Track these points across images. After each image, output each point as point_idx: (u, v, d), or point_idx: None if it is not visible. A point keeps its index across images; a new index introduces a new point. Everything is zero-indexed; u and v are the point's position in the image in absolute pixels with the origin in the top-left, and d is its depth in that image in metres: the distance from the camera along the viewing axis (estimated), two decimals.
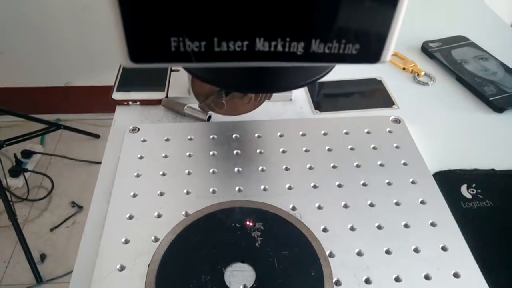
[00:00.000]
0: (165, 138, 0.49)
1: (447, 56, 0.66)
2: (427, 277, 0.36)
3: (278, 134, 0.50)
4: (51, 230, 1.32)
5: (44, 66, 1.55)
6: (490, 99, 0.57)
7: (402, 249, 0.38)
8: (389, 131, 0.51)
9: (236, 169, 0.46)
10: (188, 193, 0.43)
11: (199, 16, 0.18)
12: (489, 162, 0.49)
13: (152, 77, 0.58)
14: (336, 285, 0.36)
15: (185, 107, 0.53)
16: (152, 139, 0.49)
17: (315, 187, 0.44)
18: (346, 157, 0.47)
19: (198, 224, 0.40)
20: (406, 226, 0.40)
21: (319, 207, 0.42)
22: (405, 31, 0.72)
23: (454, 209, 0.42)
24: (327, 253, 0.38)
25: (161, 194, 0.43)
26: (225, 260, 0.37)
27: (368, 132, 0.51)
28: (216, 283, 0.35)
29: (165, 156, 0.47)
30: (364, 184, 0.44)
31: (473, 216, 0.43)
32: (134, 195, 0.43)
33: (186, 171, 0.45)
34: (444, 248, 0.38)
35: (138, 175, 0.45)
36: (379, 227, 0.40)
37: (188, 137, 0.49)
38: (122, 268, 0.36)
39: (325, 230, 0.40)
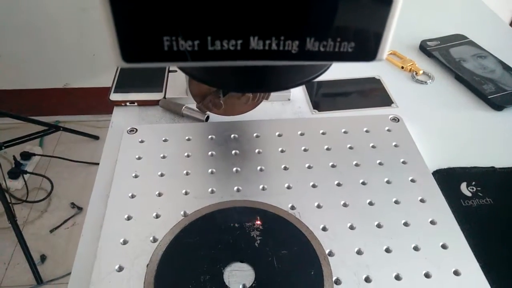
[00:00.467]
0: (163, 138, 0.49)
1: (446, 54, 0.66)
2: (427, 275, 0.36)
3: (277, 133, 0.50)
4: (51, 231, 1.32)
5: (43, 67, 1.55)
6: (489, 97, 0.57)
7: (402, 247, 0.38)
8: (388, 130, 0.51)
9: (234, 169, 0.46)
10: (186, 193, 0.43)
11: (192, 14, 0.17)
12: (489, 159, 0.49)
13: (149, 78, 0.58)
14: (336, 284, 0.35)
15: (183, 107, 0.53)
16: (150, 140, 0.49)
17: (314, 186, 0.44)
18: (345, 156, 0.47)
19: (197, 224, 0.40)
20: (405, 224, 0.40)
21: (318, 206, 0.42)
22: (403, 30, 0.72)
23: (454, 207, 0.42)
24: (327, 252, 0.38)
25: (160, 194, 0.43)
26: (224, 260, 0.37)
27: (367, 131, 0.50)
28: (215, 283, 0.35)
29: (163, 157, 0.47)
30: (363, 183, 0.44)
31: (473, 214, 0.43)
32: (132, 196, 0.42)
33: (185, 172, 0.45)
34: (444, 246, 0.38)
35: (136, 176, 0.44)
36: (379, 226, 0.40)
37: (186, 138, 0.49)
38: (120, 268, 0.36)
39: (324, 229, 0.40)
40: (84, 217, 0.42)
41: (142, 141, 0.49)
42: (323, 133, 0.50)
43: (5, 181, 1.36)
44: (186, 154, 0.47)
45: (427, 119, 0.55)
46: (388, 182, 0.44)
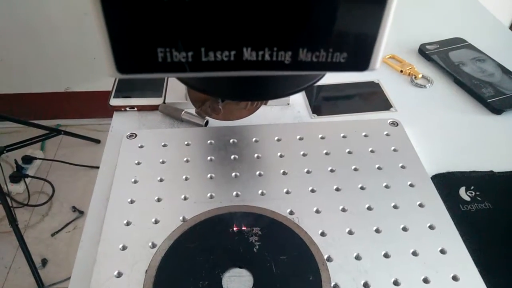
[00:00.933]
0: (163, 143, 0.49)
1: (445, 58, 0.66)
2: (425, 281, 0.36)
3: (276, 138, 0.50)
4: (52, 235, 1.32)
5: (44, 71, 1.55)
6: (488, 101, 0.57)
7: (400, 252, 0.38)
8: (387, 134, 0.51)
9: (233, 174, 0.46)
10: (185, 198, 0.43)
11: (185, 26, 0.18)
12: (488, 164, 0.49)
13: (149, 83, 0.58)
14: None
15: (182, 112, 0.53)
16: (149, 145, 0.49)
17: (313, 191, 0.44)
18: (344, 161, 0.47)
19: (196, 230, 0.40)
20: (404, 229, 0.40)
21: (317, 211, 0.42)
22: (402, 33, 0.72)
23: (453, 211, 0.42)
24: (325, 257, 0.38)
25: (159, 200, 0.43)
26: (222, 266, 0.37)
27: (365, 136, 0.51)
28: None
29: (163, 162, 0.47)
30: (362, 188, 0.44)
31: (472, 219, 0.43)
32: (132, 201, 0.43)
33: (184, 177, 0.45)
34: (442, 251, 0.38)
35: (135, 181, 0.45)
36: (377, 231, 0.40)
37: (186, 143, 0.49)
38: (119, 274, 0.36)
39: (323, 234, 0.40)
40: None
41: (141, 146, 0.49)
42: (322, 138, 0.50)
43: (6, 185, 1.36)
44: (185, 159, 0.47)
45: (426, 123, 0.55)
46: (386, 186, 0.44)
